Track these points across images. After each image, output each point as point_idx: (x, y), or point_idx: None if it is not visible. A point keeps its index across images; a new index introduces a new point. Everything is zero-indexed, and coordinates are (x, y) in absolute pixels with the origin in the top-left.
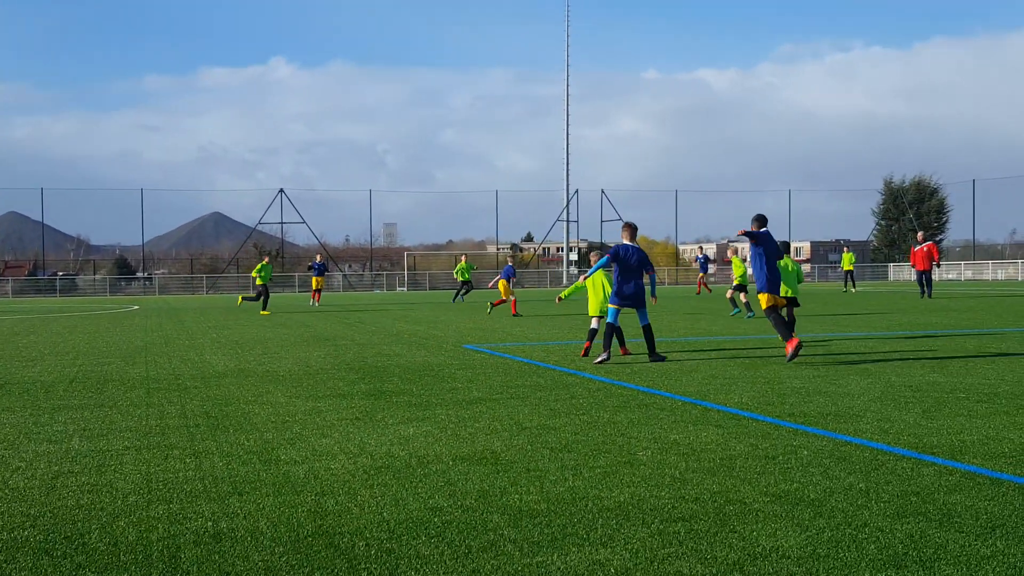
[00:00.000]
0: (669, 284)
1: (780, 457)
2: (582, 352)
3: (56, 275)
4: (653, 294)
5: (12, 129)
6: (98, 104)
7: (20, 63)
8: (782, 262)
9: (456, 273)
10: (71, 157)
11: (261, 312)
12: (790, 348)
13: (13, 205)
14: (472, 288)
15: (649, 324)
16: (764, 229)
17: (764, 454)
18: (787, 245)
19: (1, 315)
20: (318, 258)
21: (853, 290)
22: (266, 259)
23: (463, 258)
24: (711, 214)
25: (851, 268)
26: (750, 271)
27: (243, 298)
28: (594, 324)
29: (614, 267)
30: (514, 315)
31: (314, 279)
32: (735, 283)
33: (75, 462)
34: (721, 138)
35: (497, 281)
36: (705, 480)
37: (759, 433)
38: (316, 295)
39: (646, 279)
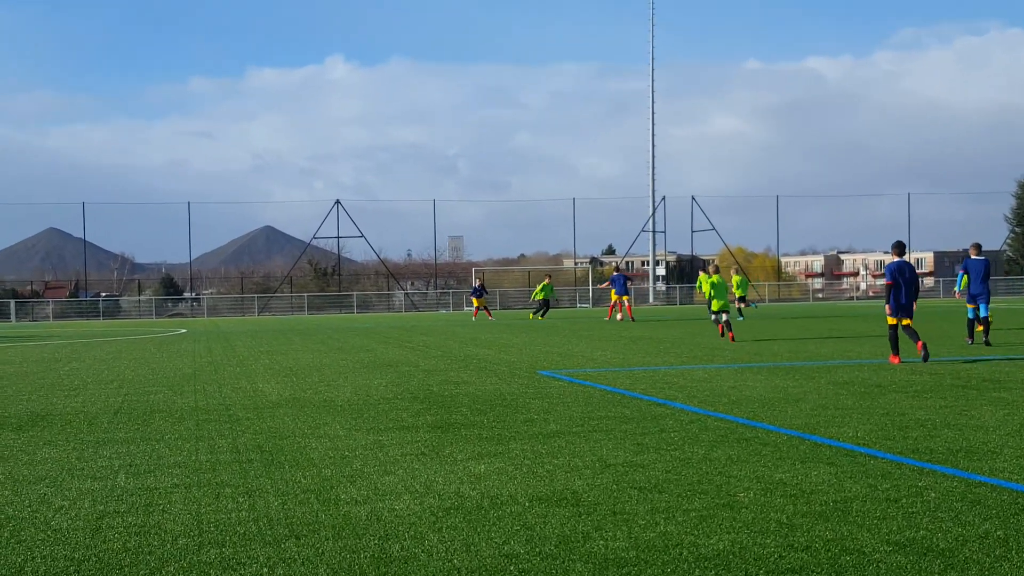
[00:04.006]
0: (771, 301)
1: (903, 500)
2: (726, 336)
3: (99, 296)
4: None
5: (49, 139)
6: (140, 111)
7: (54, 69)
8: (715, 278)
9: (539, 293)
10: (113, 168)
11: (531, 317)
12: (894, 361)
13: (52, 221)
14: (548, 308)
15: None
16: (895, 260)
17: (885, 496)
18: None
19: (42, 340)
20: (477, 282)
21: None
22: (547, 279)
23: (547, 278)
24: (818, 222)
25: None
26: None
27: (533, 314)
28: (721, 317)
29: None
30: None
31: (475, 300)
32: (737, 295)
33: (121, 501)
34: (831, 136)
35: (611, 291)
36: (816, 526)
37: (878, 472)
38: (487, 311)
39: None
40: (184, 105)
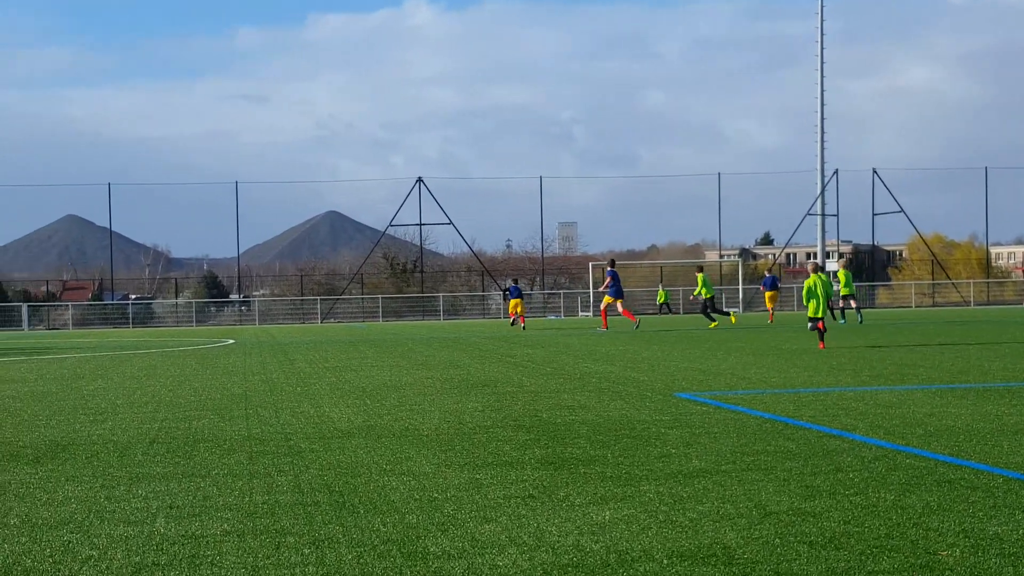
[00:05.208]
0: (977, 304)
1: None
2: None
3: (128, 299)
4: None
5: (67, 106)
6: (176, 70)
7: (74, 21)
8: (813, 278)
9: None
10: (144, 141)
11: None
12: None
13: (72, 207)
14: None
15: None
16: None
17: None
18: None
19: (61, 352)
20: (511, 281)
21: None
22: (700, 272)
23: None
24: None
25: None
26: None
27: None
28: (812, 325)
29: None
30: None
31: (514, 302)
32: (843, 294)
33: (161, 551)
34: None
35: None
36: None
37: None
38: (520, 319)
39: None
40: (230, 62)
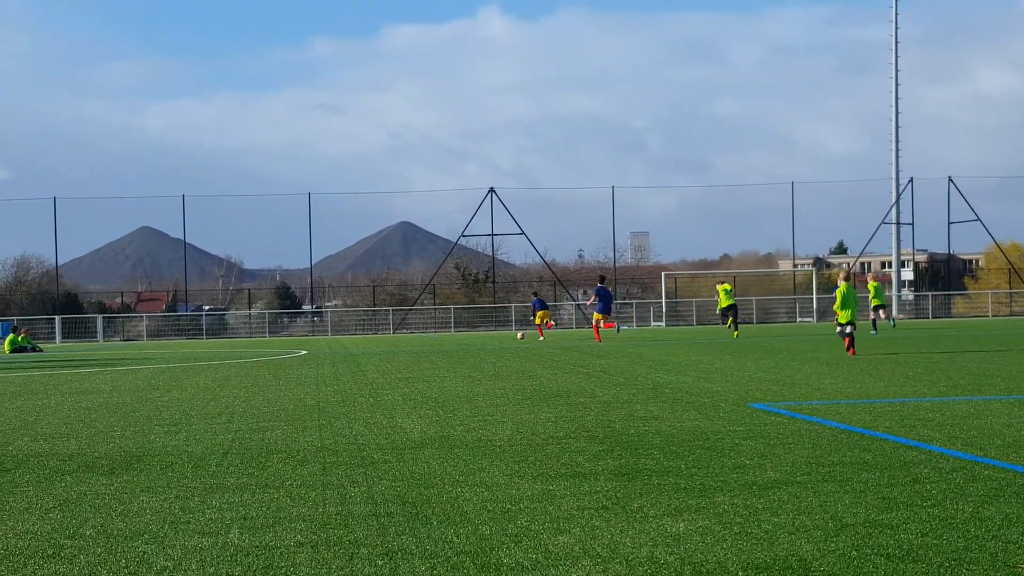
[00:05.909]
0: None
1: None
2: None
3: (201, 310)
4: None
5: (146, 118)
6: (251, 81)
7: (150, 32)
8: (844, 286)
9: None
10: (218, 152)
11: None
12: None
13: (146, 218)
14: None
15: None
16: None
17: None
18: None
19: (135, 363)
20: (534, 296)
21: None
22: (721, 286)
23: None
24: None
25: None
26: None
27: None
28: (848, 330)
29: None
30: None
31: (541, 313)
32: (873, 305)
33: (235, 562)
34: None
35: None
36: None
37: None
38: (539, 329)
39: None
40: (305, 74)
